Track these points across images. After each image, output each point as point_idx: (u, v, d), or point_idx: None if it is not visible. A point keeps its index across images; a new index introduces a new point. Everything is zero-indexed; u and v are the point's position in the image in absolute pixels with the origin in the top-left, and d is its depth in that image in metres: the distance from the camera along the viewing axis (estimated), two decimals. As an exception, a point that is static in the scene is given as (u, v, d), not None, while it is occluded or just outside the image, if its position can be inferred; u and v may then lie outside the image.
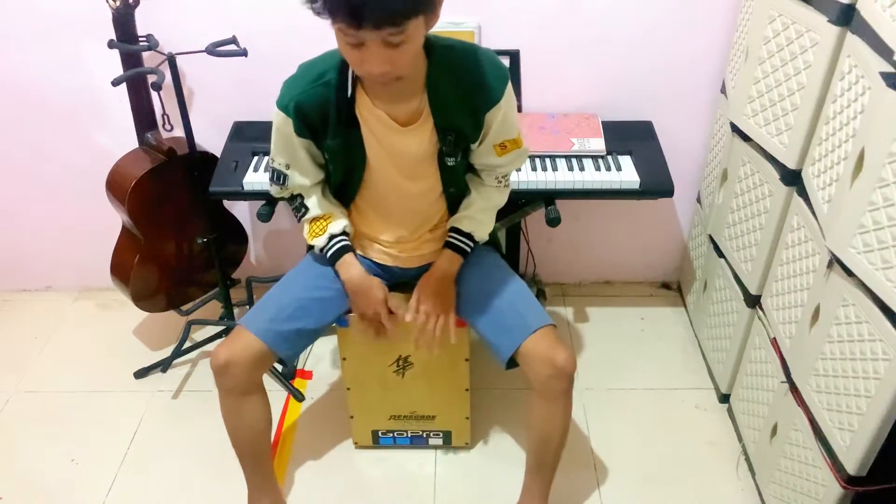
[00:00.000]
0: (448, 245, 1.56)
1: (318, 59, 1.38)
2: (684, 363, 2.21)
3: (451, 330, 1.56)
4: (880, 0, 1.25)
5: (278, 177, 1.49)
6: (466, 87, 1.36)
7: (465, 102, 1.37)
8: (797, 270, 1.56)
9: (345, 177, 1.50)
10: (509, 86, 1.39)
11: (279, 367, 2.14)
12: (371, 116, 1.38)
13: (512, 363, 1.55)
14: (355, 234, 1.61)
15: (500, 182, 1.56)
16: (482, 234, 1.58)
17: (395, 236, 1.58)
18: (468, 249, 1.56)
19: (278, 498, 1.72)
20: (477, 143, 1.45)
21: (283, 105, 1.37)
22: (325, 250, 1.55)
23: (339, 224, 1.54)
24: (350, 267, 1.55)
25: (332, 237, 1.54)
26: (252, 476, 1.67)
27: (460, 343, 1.68)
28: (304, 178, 1.49)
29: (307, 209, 1.53)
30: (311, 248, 1.59)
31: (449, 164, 1.46)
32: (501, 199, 1.60)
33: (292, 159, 1.46)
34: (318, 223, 1.54)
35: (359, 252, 1.61)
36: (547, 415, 1.55)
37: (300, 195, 1.54)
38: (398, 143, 1.41)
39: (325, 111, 1.37)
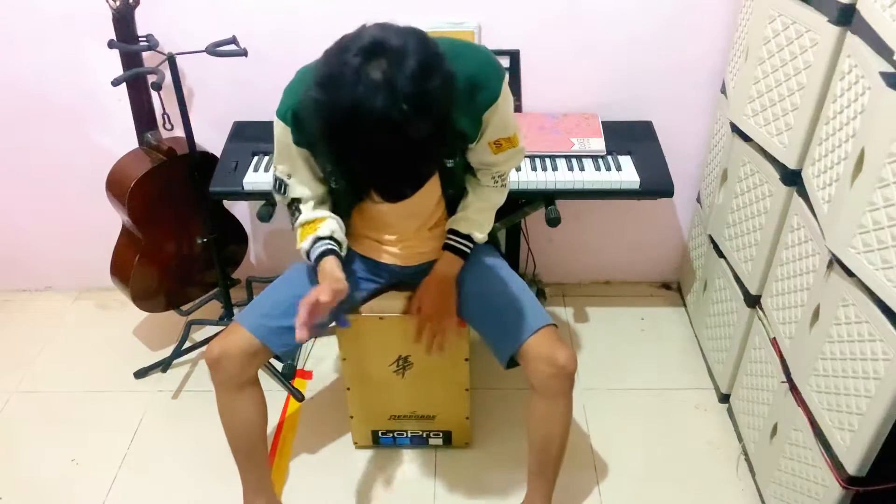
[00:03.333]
0: (447, 247, 1.56)
1: (316, 63, 1.34)
2: (684, 363, 2.21)
3: (453, 332, 1.55)
4: (880, 0, 1.25)
5: (280, 185, 1.47)
6: (465, 88, 1.35)
7: (464, 103, 1.36)
8: (797, 270, 1.56)
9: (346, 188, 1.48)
10: (506, 84, 1.38)
11: (279, 367, 2.14)
12: None
13: (512, 363, 1.55)
14: (356, 235, 1.60)
15: (497, 182, 1.55)
16: (481, 235, 1.58)
17: (395, 236, 1.58)
18: (467, 251, 1.56)
19: (273, 499, 1.72)
20: (475, 142, 1.45)
21: (281, 114, 1.35)
22: (308, 253, 1.46)
23: (327, 227, 1.46)
24: (329, 272, 1.42)
25: (316, 240, 1.45)
26: (247, 475, 1.67)
27: (460, 343, 1.69)
28: (303, 188, 1.46)
29: (300, 213, 1.48)
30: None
31: (448, 165, 1.45)
32: (499, 199, 1.59)
33: (293, 169, 1.44)
34: (308, 227, 1.48)
35: (359, 251, 1.61)
36: (548, 415, 1.55)
37: (298, 199, 1.49)
38: None
39: None
